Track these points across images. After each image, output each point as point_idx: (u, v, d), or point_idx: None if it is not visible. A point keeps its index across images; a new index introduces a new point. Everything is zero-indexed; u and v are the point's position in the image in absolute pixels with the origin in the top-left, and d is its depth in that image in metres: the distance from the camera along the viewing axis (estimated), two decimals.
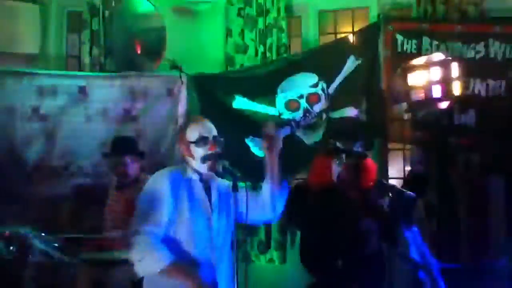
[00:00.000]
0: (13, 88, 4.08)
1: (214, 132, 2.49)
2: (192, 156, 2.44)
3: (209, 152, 2.43)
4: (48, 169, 4.12)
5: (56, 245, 3.27)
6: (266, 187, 2.45)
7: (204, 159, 2.42)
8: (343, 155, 2.71)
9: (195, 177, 2.44)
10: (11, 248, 3.16)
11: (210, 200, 2.43)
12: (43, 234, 3.32)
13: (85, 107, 4.20)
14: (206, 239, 2.38)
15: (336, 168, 2.73)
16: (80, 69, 4.50)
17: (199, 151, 2.42)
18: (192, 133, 2.44)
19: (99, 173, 4.10)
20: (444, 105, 3.85)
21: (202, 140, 2.43)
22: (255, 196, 2.46)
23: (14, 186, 3.99)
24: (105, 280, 2.92)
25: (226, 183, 2.50)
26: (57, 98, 4.16)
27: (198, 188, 2.43)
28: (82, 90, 4.20)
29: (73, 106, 4.19)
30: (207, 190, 2.45)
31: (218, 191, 2.47)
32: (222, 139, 2.50)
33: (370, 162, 2.82)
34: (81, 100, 4.20)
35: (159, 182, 2.38)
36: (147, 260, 2.25)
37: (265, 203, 2.45)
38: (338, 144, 2.76)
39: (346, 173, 2.70)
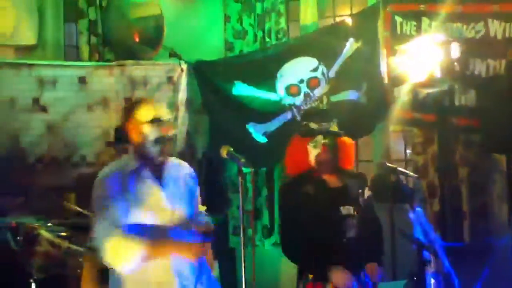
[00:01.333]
0: (12, 80, 4.08)
1: (168, 115, 2.31)
2: (143, 138, 2.23)
3: (162, 134, 2.24)
4: (50, 159, 4.13)
5: (62, 234, 3.29)
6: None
7: (156, 141, 2.23)
8: (319, 136, 2.60)
9: (138, 165, 2.23)
10: (18, 238, 3.18)
11: (162, 184, 2.23)
12: (49, 224, 3.34)
13: (85, 97, 4.20)
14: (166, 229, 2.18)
15: (313, 151, 2.62)
16: (78, 59, 4.48)
17: (152, 133, 2.23)
18: (145, 113, 2.25)
19: (101, 162, 4.11)
20: (444, 86, 3.84)
21: (156, 121, 2.24)
22: None
23: (18, 178, 4.00)
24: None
25: (179, 163, 2.35)
26: (57, 89, 4.16)
27: (144, 177, 2.22)
28: (82, 80, 4.20)
29: (74, 96, 4.19)
30: (158, 173, 2.25)
31: (171, 173, 2.28)
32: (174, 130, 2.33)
33: (347, 141, 2.70)
34: (81, 90, 4.19)
35: (102, 189, 2.18)
36: (122, 251, 2.07)
37: None
38: (312, 125, 2.63)
39: (324, 154, 2.59)
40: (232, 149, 2.46)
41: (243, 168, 2.40)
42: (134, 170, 2.23)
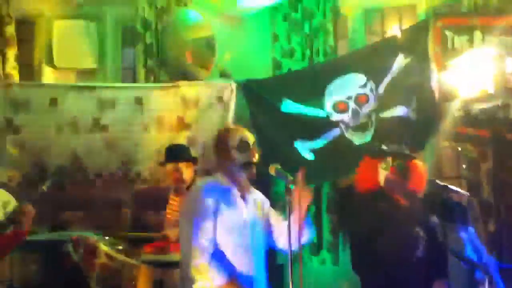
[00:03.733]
0: (75, 102, 4.33)
1: (253, 140, 2.48)
2: (232, 161, 2.41)
3: (251, 159, 2.41)
4: (109, 176, 4.36)
5: (119, 247, 3.46)
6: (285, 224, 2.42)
7: (245, 165, 2.40)
8: (389, 158, 2.70)
9: (232, 185, 2.43)
10: (80, 251, 3.38)
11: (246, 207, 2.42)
12: (107, 237, 3.52)
13: (141, 117, 4.40)
14: (245, 247, 2.37)
15: (382, 172, 2.71)
16: (135, 81, 4.72)
17: (240, 157, 2.40)
18: (234, 138, 2.42)
19: (156, 179, 4.29)
20: (498, 100, 3.74)
21: (244, 145, 2.41)
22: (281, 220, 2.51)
23: (79, 193, 4.24)
24: (165, 280, 3.05)
25: (260, 194, 2.53)
26: (116, 109, 4.37)
27: (235, 196, 2.40)
28: (139, 100, 4.40)
29: (131, 116, 4.39)
30: (243, 198, 2.43)
31: (253, 200, 2.47)
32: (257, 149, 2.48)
33: (418, 164, 2.78)
34: (138, 110, 4.39)
35: (199, 197, 2.37)
36: (205, 278, 2.27)
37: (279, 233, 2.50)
38: (384, 146, 2.75)
39: (393, 175, 2.68)
40: (280, 167, 2.51)
41: (290, 186, 2.44)
42: (227, 187, 2.40)
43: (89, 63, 4.71)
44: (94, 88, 4.38)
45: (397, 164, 2.66)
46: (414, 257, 2.58)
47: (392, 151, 2.71)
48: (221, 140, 2.46)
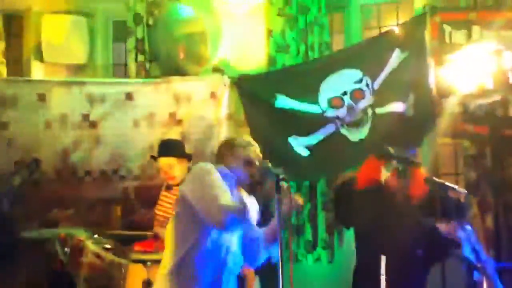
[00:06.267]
0: (64, 97, 4.26)
1: (256, 154, 2.60)
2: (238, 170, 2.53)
3: (251, 175, 2.53)
4: (98, 173, 4.28)
5: (107, 246, 3.38)
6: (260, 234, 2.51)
7: (249, 180, 2.53)
8: (394, 161, 2.76)
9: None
10: (66, 249, 3.30)
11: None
12: (95, 236, 3.45)
13: (132, 113, 4.33)
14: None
15: (384, 173, 2.77)
16: (126, 76, 4.64)
17: (246, 171, 2.54)
18: (247, 153, 2.56)
19: (147, 176, 4.22)
20: (497, 96, 3.68)
21: (250, 163, 2.54)
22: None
23: (68, 190, 4.16)
24: (155, 280, 2.96)
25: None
26: (106, 105, 4.30)
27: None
28: (129, 96, 4.33)
29: (121, 112, 4.32)
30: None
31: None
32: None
33: (421, 172, 2.82)
34: (128, 106, 4.32)
35: (213, 169, 2.43)
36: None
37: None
38: (391, 149, 2.80)
39: (393, 178, 2.75)
40: (269, 164, 2.45)
41: (280, 184, 2.37)
42: (234, 176, 2.51)
43: (79, 58, 4.62)
44: (83, 83, 4.31)
45: (401, 169, 2.72)
46: (415, 256, 2.63)
47: (398, 156, 2.76)
48: (231, 147, 2.58)
